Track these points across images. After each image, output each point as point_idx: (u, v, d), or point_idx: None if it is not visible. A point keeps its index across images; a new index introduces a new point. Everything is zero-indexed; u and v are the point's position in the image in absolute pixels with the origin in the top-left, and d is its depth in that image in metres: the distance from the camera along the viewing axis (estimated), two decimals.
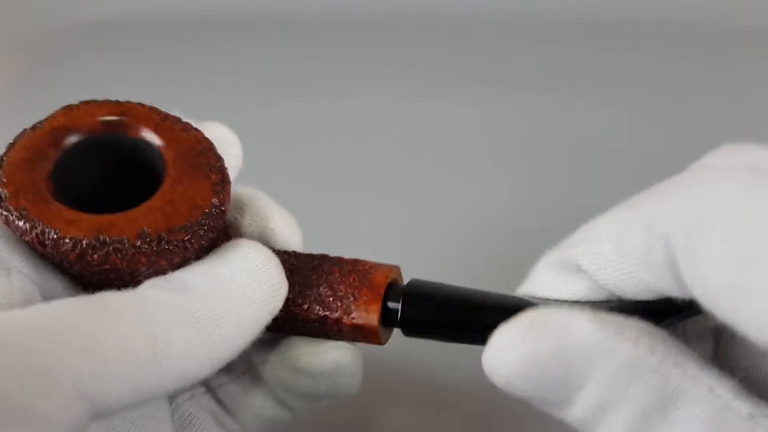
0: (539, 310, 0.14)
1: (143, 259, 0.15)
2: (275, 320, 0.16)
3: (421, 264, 0.30)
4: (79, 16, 0.58)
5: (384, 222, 0.34)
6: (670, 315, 0.15)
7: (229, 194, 0.17)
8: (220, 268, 0.15)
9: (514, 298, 0.16)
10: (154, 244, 0.15)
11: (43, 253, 0.15)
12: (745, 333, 0.12)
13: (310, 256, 0.18)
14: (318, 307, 0.17)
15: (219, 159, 0.17)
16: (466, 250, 0.32)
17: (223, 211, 0.16)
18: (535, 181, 0.36)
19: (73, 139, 0.17)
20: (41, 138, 0.17)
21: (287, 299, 0.16)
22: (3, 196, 0.15)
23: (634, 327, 0.13)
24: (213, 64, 0.51)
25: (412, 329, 0.17)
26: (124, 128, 0.17)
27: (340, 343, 0.17)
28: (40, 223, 0.14)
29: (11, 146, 0.16)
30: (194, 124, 0.18)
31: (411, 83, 0.47)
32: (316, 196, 0.35)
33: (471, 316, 0.16)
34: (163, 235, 0.15)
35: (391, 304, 0.17)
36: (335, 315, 0.17)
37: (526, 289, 0.17)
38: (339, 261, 0.18)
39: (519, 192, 0.35)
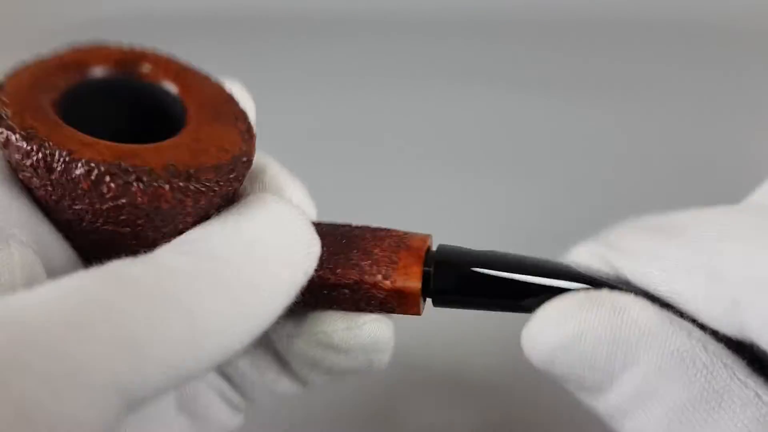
0: (592, 290, 0.13)
1: (168, 196, 0.12)
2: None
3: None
4: (79, 16, 0.58)
5: (382, 221, 0.33)
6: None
7: (254, 146, 0.15)
8: (247, 225, 0.13)
9: (557, 263, 0.15)
10: (182, 178, 0.13)
11: (46, 185, 0.12)
12: None
13: (333, 225, 0.16)
14: (352, 271, 0.15)
15: (243, 110, 0.16)
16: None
17: (250, 162, 0.15)
18: (534, 182, 0.36)
19: (84, 74, 0.15)
20: (49, 67, 0.15)
21: (318, 262, 0.14)
22: (4, 114, 0.13)
23: (688, 322, 0.13)
24: (213, 64, 0.50)
25: (446, 297, 0.15)
26: (140, 72, 0.16)
27: (377, 315, 0.16)
28: (50, 144, 0.12)
29: (13, 72, 0.14)
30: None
31: (411, 83, 0.47)
32: (315, 196, 0.35)
33: (509, 282, 0.14)
34: (192, 171, 0.13)
35: (426, 270, 0.15)
36: (373, 279, 0.15)
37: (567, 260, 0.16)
38: (370, 228, 0.16)
39: (519, 192, 0.35)
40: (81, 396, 0.10)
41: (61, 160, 0.12)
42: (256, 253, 0.13)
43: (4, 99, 0.13)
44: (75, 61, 0.15)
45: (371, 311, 0.15)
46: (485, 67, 0.48)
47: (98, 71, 0.15)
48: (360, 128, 0.42)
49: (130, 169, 0.12)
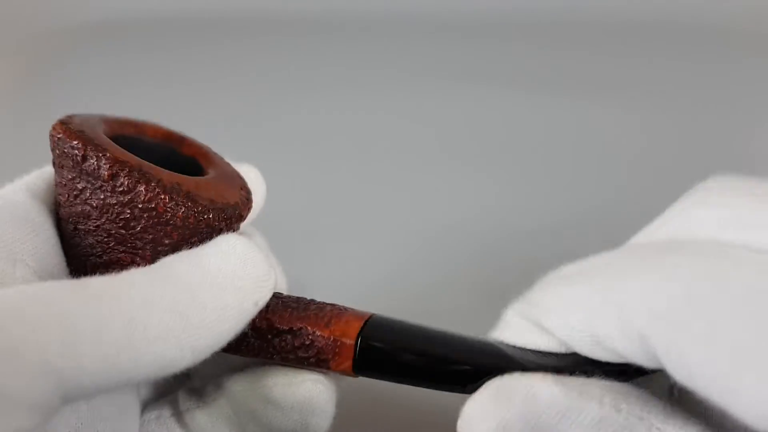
0: (504, 379, 0.14)
1: (165, 201, 0.15)
2: (245, 336, 0.16)
3: (420, 262, 0.30)
4: (79, 17, 0.58)
5: (382, 221, 0.33)
6: (637, 375, 0.15)
7: (249, 210, 0.17)
8: (206, 252, 0.15)
9: (475, 342, 0.15)
10: (181, 195, 0.15)
11: (75, 176, 0.15)
12: (735, 416, 0.12)
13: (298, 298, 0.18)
14: (297, 319, 0.16)
15: (248, 186, 0.18)
16: (464, 250, 0.32)
17: (241, 217, 0.17)
18: (534, 182, 0.36)
19: (137, 131, 0.18)
20: (102, 120, 0.17)
21: (264, 310, 0.16)
22: (64, 120, 0.16)
23: (597, 386, 0.14)
24: (213, 64, 0.51)
25: (368, 367, 0.16)
26: (179, 144, 0.19)
27: (317, 376, 0.16)
28: (92, 141, 0.15)
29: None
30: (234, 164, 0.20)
31: (410, 83, 0.47)
32: (314, 195, 0.35)
33: (434, 363, 0.15)
34: (191, 194, 0.16)
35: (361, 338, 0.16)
36: (314, 327, 0.16)
37: (497, 335, 0.16)
38: (330, 304, 0.17)
39: (518, 192, 0.35)
40: (12, 369, 0.11)
41: (95, 153, 0.15)
42: (209, 278, 0.14)
43: (65, 119, 0.16)
44: (131, 123, 0.18)
45: (311, 366, 0.16)
46: (483, 67, 0.48)
47: (148, 135, 0.19)
48: (359, 128, 0.42)
49: (143, 170, 0.15)
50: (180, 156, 0.19)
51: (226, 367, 0.19)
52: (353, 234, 0.33)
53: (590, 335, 0.14)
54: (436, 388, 0.15)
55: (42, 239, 0.16)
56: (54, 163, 0.16)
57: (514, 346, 0.15)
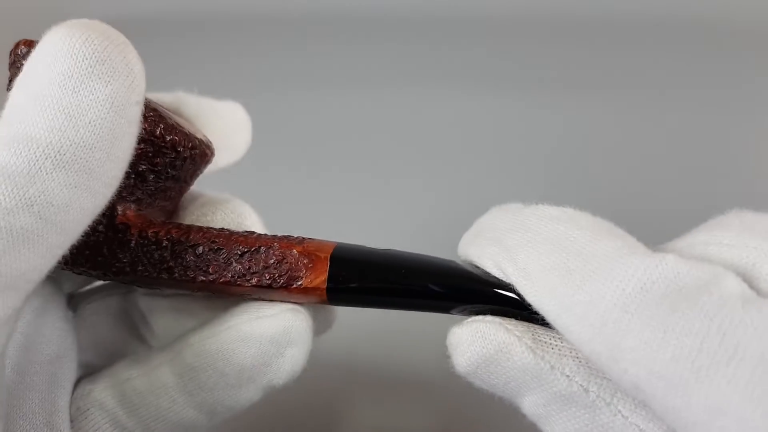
0: (486, 322, 0.14)
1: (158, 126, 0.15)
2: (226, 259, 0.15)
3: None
4: (79, 17, 0.58)
5: (381, 221, 0.33)
6: None
7: (211, 155, 0.17)
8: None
9: (444, 261, 0.16)
10: (150, 110, 0.15)
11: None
12: None
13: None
14: (267, 237, 0.15)
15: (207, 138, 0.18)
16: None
17: (206, 155, 0.17)
18: (534, 181, 0.36)
19: None
20: None
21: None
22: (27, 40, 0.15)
23: (573, 361, 0.14)
24: (213, 64, 0.51)
25: (341, 284, 0.15)
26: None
27: (294, 305, 0.15)
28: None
29: None
30: (214, 101, 0.19)
31: (409, 83, 0.47)
32: (313, 194, 0.35)
33: (407, 276, 0.15)
34: (162, 114, 0.16)
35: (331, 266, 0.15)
36: (286, 242, 0.15)
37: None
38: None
39: (517, 192, 0.35)
40: None
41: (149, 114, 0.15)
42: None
43: None
44: None
45: (279, 288, 0.15)
46: (481, 67, 0.48)
47: None
48: (359, 128, 0.42)
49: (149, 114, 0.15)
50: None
51: (179, 329, 0.18)
52: (353, 233, 0.33)
53: (561, 329, 0.14)
54: (409, 308, 0.15)
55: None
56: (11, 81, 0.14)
57: (484, 272, 0.15)
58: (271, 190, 0.35)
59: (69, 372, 0.17)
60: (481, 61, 0.49)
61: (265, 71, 0.49)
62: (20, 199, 0.11)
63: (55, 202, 0.11)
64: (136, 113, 0.13)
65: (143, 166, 0.15)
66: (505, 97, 0.43)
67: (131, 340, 0.19)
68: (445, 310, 0.15)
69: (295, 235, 0.16)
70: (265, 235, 0.16)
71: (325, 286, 0.15)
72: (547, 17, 0.54)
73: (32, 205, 0.11)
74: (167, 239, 0.15)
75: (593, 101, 0.42)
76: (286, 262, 0.15)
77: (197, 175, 0.17)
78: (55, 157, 0.11)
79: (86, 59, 0.13)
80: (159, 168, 0.15)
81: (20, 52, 0.14)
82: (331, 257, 0.15)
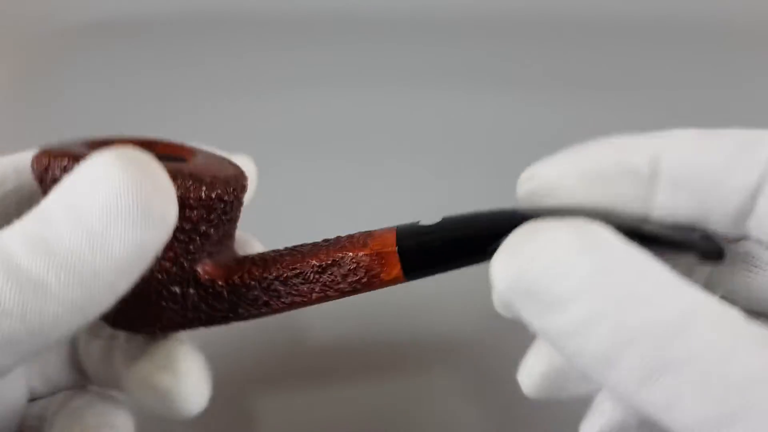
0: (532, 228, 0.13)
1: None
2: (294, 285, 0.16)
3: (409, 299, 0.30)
4: (79, 17, 0.58)
5: (381, 219, 0.34)
6: (694, 250, 0.15)
7: (247, 181, 0.17)
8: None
9: (499, 213, 0.16)
10: (185, 176, 0.15)
11: None
12: None
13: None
14: (335, 251, 0.16)
15: (234, 162, 0.18)
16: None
17: (244, 187, 0.17)
18: None
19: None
20: (78, 143, 0.17)
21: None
22: (48, 150, 0.15)
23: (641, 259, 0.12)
24: (212, 64, 0.51)
25: (415, 265, 0.16)
26: (154, 147, 0.18)
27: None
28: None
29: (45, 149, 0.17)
30: (226, 154, 0.19)
31: (409, 83, 0.47)
32: (312, 194, 0.35)
33: (471, 235, 0.16)
34: (194, 173, 0.16)
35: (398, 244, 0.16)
36: (354, 251, 0.16)
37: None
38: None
39: (511, 192, 0.35)
40: None
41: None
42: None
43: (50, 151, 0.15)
44: (104, 140, 0.18)
45: (362, 288, 0.16)
46: (479, 67, 0.48)
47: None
48: (359, 127, 0.42)
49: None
50: (162, 156, 0.19)
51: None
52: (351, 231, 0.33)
53: (697, 173, 0.14)
54: (481, 261, 0.16)
55: None
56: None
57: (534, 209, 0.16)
58: (271, 189, 0.35)
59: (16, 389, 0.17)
60: (482, 60, 0.49)
61: (265, 71, 0.49)
62: (17, 305, 0.12)
63: (47, 319, 0.12)
64: (154, 254, 0.13)
65: (203, 228, 0.16)
66: (505, 96, 0.43)
67: (77, 375, 0.20)
68: None
69: (353, 234, 0.17)
70: (328, 243, 0.17)
71: (401, 273, 0.16)
72: (547, 18, 0.54)
73: (25, 314, 0.12)
74: (252, 279, 0.16)
75: (593, 101, 0.43)
76: (362, 267, 0.16)
77: (242, 204, 0.18)
78: (64, 276, 0.12)
79: (130, 202, 0.12)
80: (216, 221, 0.16)
81: (52, 165, 0.15)
82: (398, 250, 0.16)
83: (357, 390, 0.25)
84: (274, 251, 0.17)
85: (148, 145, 0.18)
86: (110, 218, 0.12)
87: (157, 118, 0.44)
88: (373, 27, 0.55)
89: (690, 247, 0.15)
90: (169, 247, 0.15)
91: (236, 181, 0.16)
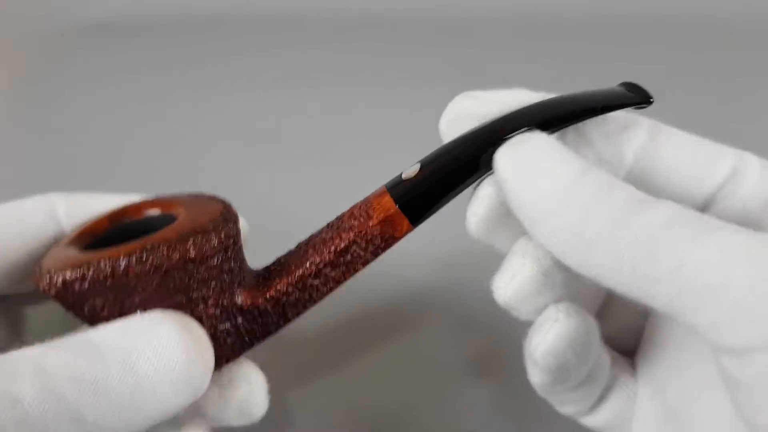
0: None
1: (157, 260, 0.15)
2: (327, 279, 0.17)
3: (417, 261, 0.30)
4: (78, 18, 0.58)
5: None
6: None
7: (234, 212, 0.18)
8: (141, 362, 0.14)
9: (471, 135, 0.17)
10: (174, 242, 0.16)
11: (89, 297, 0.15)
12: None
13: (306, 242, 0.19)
14: (346, 233, 0.17)
15: (217, 197, 0.19)
16: (459, 248, 0.32)
17: (232, 215, 0.17)
18: None
19: (91, 235, 0.18)
20: (70, 241, 0.17)
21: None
22: (52, 273, 0.15)
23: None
24: (211, 65, 0.51)
25: (418, 212, 0.17)
26: (136, 211, 0.19)
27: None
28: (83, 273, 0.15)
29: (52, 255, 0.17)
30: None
31: (409, 83, 0.47)
32: (311, 194, 0.35)
33: (460, 159, 0.17)
34: (179, 235, 0.16)
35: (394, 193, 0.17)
36: (365, 226, 0.17)
37: None
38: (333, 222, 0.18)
39: None
40: None
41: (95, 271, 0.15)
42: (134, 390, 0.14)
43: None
44: (87, 231, 0.18)
45: (385, 248, 0.17)
46: (477, 67, 0.48)
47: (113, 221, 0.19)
48: (358, 127, 0.42)
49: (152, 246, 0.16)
50: (152, 219, 0.19)
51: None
52: None
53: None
54: (477, 179, 0.17)
55: None
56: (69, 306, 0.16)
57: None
58: (269, 188, 0.35)
59: None
60: (482, 61, 0.49)
61: (265, 71, 0.49)
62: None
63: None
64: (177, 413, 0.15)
65: (226, 265, 0.16)
66: None
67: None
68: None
69: (352, 210, 0.18)
70: (332, 227, 0.18)
71: (410, 225, 0.17)
72: (547, 18, 0.54)
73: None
74: (288, 286, 0.17)
75: None
76: (377, 236, 0.17)
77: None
78: (90, 401, 0.13)
79: (177, 371, 0.14)
80: (232, 254, 0.16)
81: (69, 283, 0.15)
82: (400, 208, 0.17)
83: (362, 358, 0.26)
84: (287, 254, 0.18)
85: (135, 210, 0.19)
86: (161, 383, 0.14)
87: (156, 118, 0.44)
88: (373, 27, 0.55)
89: (625, 102, 0.17)
90: (208, 297, 0.16)
91: (230, 213, 0.17)
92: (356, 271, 0.17)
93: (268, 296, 0.17)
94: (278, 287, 0.17)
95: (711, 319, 0.12)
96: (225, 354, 0.17)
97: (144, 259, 0.15)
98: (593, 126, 0.17)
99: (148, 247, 0.15)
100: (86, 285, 0.15)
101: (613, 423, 0.18)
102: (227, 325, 0.17)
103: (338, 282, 0.17)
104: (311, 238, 0.18)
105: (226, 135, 0.42)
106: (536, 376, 0.17)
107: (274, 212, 0.19)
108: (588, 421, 0.18)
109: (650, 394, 0.17)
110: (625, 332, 0.19)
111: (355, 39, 0.54)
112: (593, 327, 0.16)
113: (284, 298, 0.17)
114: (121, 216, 0.18)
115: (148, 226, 0.18)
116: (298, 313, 0.18)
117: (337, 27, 0.55)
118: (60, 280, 0.15)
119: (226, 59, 0.51)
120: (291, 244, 0.19)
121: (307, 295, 0.17)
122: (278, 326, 0.18)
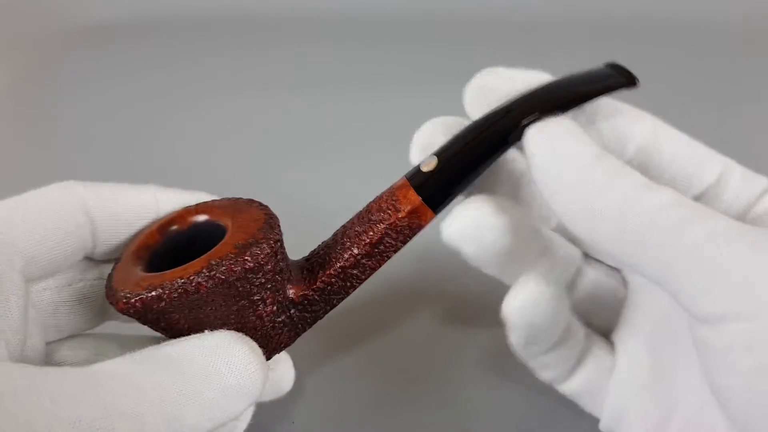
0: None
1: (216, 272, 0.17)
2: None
3: (416, 261, 0.30)
4: (78, 19, 0.58)
5: None
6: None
7: (275, 219, 0.19)
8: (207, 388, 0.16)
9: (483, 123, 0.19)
10: (233, 255, 0.17)
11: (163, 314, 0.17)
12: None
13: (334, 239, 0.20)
14: (377, 226, 0.19)
15: (260, 204, 0.20)
16: (448, 266, 0.32)
17: (276, 223, 0.18)
18: None
19: (150, 249, 0.19)
20: (130, 256, 0.19)
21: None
22: (128, 295, 0.17)
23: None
24: (211, 65, 0.51)
25: (439, 199, 0.19)
26: (183, 221, 0.20)
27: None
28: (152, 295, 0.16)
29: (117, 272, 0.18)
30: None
31: (408, 83, 0.47)
32: (311, 194, 0.35)
33: (477, 143, 0.18)
34: (239, 248, 0.17)
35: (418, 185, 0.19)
36: (392, 219, 0.18)
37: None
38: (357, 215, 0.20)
39: None
40: None
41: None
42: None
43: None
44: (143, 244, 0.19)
45: (412, 236, 0.19)
46: (476, 67, 0.48)
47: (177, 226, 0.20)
48: (358, 127, 0.42)
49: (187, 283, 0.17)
50: (205, 225, 0.20)
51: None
52: None
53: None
54: (499, 155, 0.18)
55: (14, 309, 0.16)
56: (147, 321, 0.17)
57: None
58: (269, 187, 0.35)
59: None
60: (482, 61, 0.49)
61: (265, 71, 0.49)
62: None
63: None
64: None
65: (278, 267, 0.18)
66: None
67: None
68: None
69: (379, 202, 0.19)
70: (364, 218, 0.19)
71: (434, 214, 0.19)
72: (547, 19, 0.54)
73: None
74: (332, 277, 0.19)
75: None
76: (405, 226, 0.19)
77: None
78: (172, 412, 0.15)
79: (248, 386, 0.16)
80: (281, 255, 0.18)
81: (147, 303, 0.16)
82: (424, 200, 0.18)
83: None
84: (324, 246, 0.20)
85: (181, 220, 0.20)
86: (233, 396, 0.16)
87: (157, 118, 0.44)
88: (372, 28, 0.55)
89: (616, 84, 0.19)
90: (266, 297, 0.18)
91: (273, 217, 0.19)
92: (389, 257, 0.19)
93: (315, 287, 0.19)
94: (323, 279, 0.19)
95: (694, 289, 0.14)
96: (283, 341, 0.19)
97: (211, 275, 0.16)
98: (603, 117, 0.19)
99: (214, 263, 0.16)
100: (162, 304, 0.16)
101: (587, 389, 0.20)
102: (283, 317, 0.18)
103: (374, 269, 0.19)
104: (345, 230, 0.20)
105: (227, 135, 0.42)
106: (511, 335, 0.18)
107: (282, 208, 0.20)
108: (564, 388, 0.20)
109: (626, 367, 0.19)
110: (600, 311, 0.21)
111: (355, 39, 0.54)
112: (561, 295, 0.18)
113: (328, 288, 0.19)
114: (169, 226, 0.20)
115: (195, 235, 0.19)
116: (341, 299, 0.19)
117: (338, 27, 0.55)
118: (138, 302, 0.16)
119: (226, 59, 0.52)
120: (302, 237, 0.20)
121: (348, 283, 0.19)
122: (325, 312, 0.19)
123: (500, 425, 0.23)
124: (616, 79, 0.19)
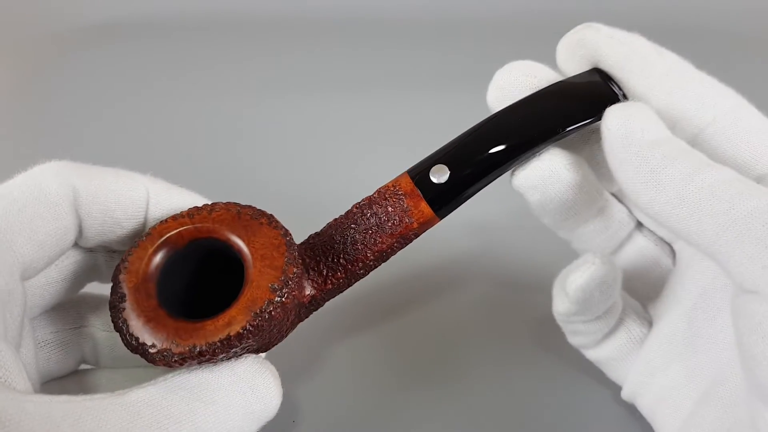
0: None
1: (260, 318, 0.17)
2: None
3: (416, 261, 0.30)
4: (79, 19, 0.58)
5: None
6: None
7: (290, 235, 0.19)
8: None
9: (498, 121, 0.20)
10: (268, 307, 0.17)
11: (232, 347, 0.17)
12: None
13: (327, 228, 0.20)
14: (386, 236, 0.19)
15: (275, 223, 0.19)
16: (460, 249, 0.32)
17: (291, 240, 0.19)
18: None
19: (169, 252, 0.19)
20: (139, 282, 0.18)
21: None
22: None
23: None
24: (211, 65, 0.51)
25: (449, 206, 0.19)
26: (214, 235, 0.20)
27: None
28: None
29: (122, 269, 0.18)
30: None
31: (408, 83, 0.47)
32: (311, 194, 0.35)
33: (484, 168, 0.19)
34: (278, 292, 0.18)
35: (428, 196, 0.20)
36: (405, 228, 0.19)
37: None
38: (356, 208, 0.20)
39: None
40: None
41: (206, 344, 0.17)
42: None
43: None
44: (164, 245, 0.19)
45: (414, 239, 0.20)
46: (477, 67, 0.48)
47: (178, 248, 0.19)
48: (358, 127, 0.42)
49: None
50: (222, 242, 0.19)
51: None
52: None
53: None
54: (507, 169, 0.19)
55: (17, 318, 0.16)
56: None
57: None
58: (268, 187, 0.35)
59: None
60: (483, 62, 0.49)
61: (265, 71, 0.50)
62: None
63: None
64: None
65: (301, 279, 0.18)
66: None
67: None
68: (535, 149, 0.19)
69: (396, 210, 0.20)
70: (381, 223, 0.20)
71: (439, 220, 0.20)
72: (546, 19, 0.54)
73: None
74: (340, 280, 0.19)
75: None
76: (415, 233, 0.20)
77: None
78: None
79: (267, 411, 0.17)
80: (299, 268, 0.18)
81: (204, 354, 0.17)
82: (435, 212, 0.19)
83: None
84: (326, 240, 0.20)
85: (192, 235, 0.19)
86: (254, 420, 0.17)
87: (157, 118, 0.44)
88: (372, 28, 0.55)
89: (593, 108, 0.19)
90: (292, 307, 0.18)
91: (288, 234, 0.18)
92: (394, 252, 0.20)
93: (325, 290, 0.19)
94: (332, 281, 0.19)
95: (744, 255, 0.15)
96: (283, 337, 0.19)
97: (256, 325, 0.17)
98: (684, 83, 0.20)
99: (256, 314, 0.17)
100: (205, 357, 0.16)
101: (615, 357, 0.21)
102: (292, 315, 0.19)
103: (376, 267, 0.20)
104: (346, 228, 0.20)
105: (227, 135, 0.42)
106: (563, 305, 0.19)
107: (275, 211, 0.19)
108: (591, 353, 0.21)
109: (661, 338, 0.20)
110: (641, 279, 0.22)
111: (354, 39, 0.54)
112: (619, 275, 0.19)
113: (336, 289, 0.20)
114: (167, 247, 0.19)
115: (196, 248, 0.19)
116: (340, 293, 0.20)
117: (337, 27, 0.55)
118: (179, 362, 0.16)
119: (226, 60, 0.52)
120: (301, 237, 0.20)
121: (351, 281, 0.20)
122: (339, 291, 0.20)
123: (509, 408, 0.23)
124: (598, 97, 0.20)
